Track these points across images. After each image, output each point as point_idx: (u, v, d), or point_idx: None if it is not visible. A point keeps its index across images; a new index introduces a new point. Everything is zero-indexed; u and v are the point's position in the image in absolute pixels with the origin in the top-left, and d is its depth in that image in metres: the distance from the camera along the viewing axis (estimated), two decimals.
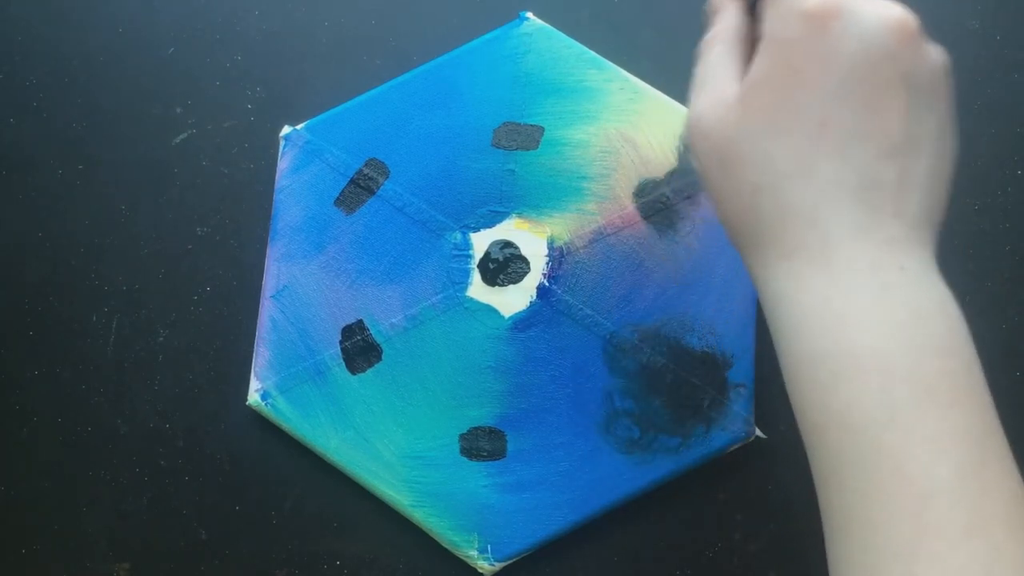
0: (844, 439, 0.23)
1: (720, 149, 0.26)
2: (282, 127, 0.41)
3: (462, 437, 0.38)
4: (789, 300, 0.25)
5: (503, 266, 0.39)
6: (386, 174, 0.40)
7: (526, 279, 0.39)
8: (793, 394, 0.25)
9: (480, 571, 0.37)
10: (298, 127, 0.41)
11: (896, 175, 0.25)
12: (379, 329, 0.39)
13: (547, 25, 0.41)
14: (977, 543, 0.22)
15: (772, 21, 0.26)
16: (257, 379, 0.39)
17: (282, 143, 0.41)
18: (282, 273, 0.39)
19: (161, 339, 0.40)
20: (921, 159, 0.25)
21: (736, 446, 0.37)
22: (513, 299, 0.39)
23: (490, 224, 0.39)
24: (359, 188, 0.40)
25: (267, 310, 0.39)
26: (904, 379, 0.23)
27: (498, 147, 0.40)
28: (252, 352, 0.39)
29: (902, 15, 0.25)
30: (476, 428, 0.38)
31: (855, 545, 0.23)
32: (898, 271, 0.24)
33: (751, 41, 0.28)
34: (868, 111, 0.25)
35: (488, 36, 0.41)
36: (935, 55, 0.26)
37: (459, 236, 0.39)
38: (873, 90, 0.24)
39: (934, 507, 0.22)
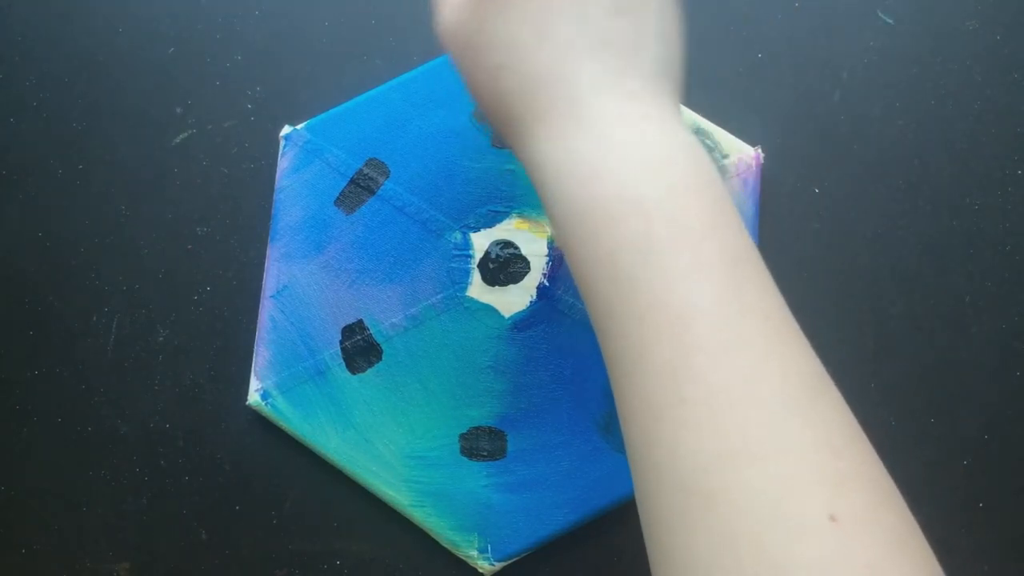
0: (611, 286, 0.24)
1: (467, 42, 0.28)
2: (282, 127, 0.41)
3: (462, 437, 0.38)
4: (547, 163, 0.26)
5: (503, 266, 0.39)
6: (386, 174, 0.40)
7: (526, 279, 0.39)
8: (566, 254, 0.26)
9: (480, 571, 0.37)
10: (298, 127, 0.41)
11: (630, 32, 0.26)
12: (379, 329, 0.39)
13: None
14: (737, 358, 0.23)
15: None
16: (257, 379, 0.39)
17: (282, 143, 0.41)
18: (282, 273, 0.39)
19: (161, 339, 0.40)
20: (649, 16, 0.26)
21: None
22: (513, 299, 0.39)
23: (490, 224, 0.39)
24: (359, 188, 0.40)
25: (267, 310, 0.39)
26: (658, 218, 0.24)
27: (498, 147, 0.40)
28: (252, 352, 0.39)
29: None
30: (476, 428, 0.38)
31: (631, 380, 0.24)
32: (643, 120, 0.25)
33: None
34: None
35: None
36: None
37: (459, 236, 0.39)
38: None
39: (694, 329, 0.23)
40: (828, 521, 0.21)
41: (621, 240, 0.24)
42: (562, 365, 0.38)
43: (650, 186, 0.25)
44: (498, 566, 0.37)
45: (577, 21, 0.26)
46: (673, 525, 0.23)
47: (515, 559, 0.37)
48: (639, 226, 0.24)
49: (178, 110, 0.42)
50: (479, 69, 0.27)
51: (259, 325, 0.39)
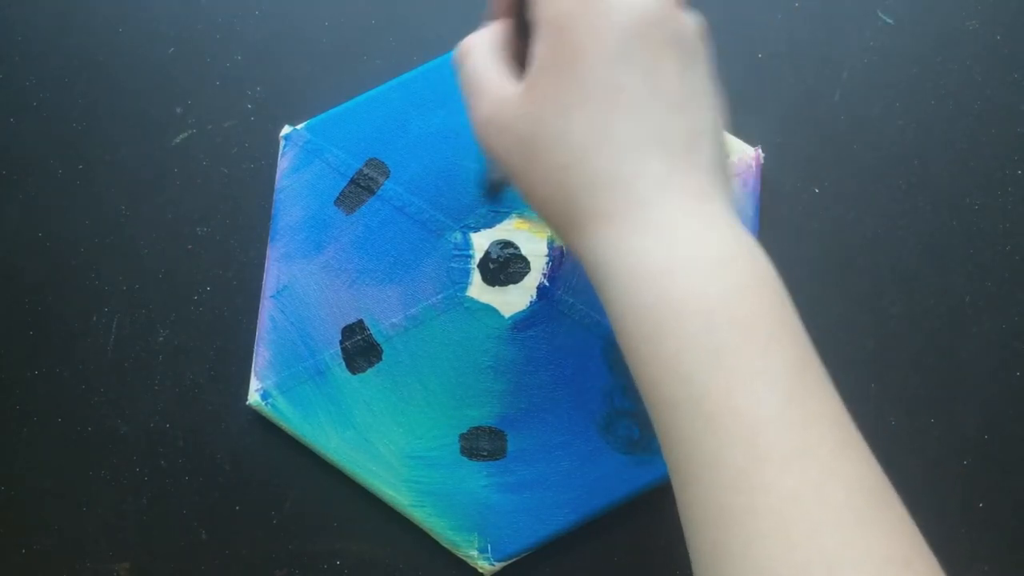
0: (677, 387, 0.24)
1: (521, 141, 0.27)
2: (282, 127, 0.41)
3: (462, 437, 0.38)
4: (611, 264, 0.26)
5: (503, 266, 0.39)
6: (386, 174, 0.40)
7: (526, 279, 0.39)
8: (628, 355, 0.26)
9: (480, 571, 0.37)
10: (298, 127, 0.41)
11: (687, 129, 0.26)
12: (379, 329, 0.39)
13: None
14: (807, 467, 0.23)
15: (541, 6, 0.27)
16: (257, 379, 0.39)
17: (282, 143, 0.41)
18: (282, 273, 0.39)
19: (161, 339, 0.40)
20: (702, 113, 0.27)
21: None
22: (513, 299, 0.39)
23: (490, 224, 0.39)
24: (359, 188, 0.40)
25: (267, 310, 0.39)
26: (724, 320, 0.24)
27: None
28: (252, 352, 0.39)
29: None
30: (476, 428, 0.38)
31: (699, 487, 0.24)
32: (706, 218, 0.26)
33: (508, 43, 0.30)
34: (649, 73, 0.26)
35: None
36: (692, 19, 0.27)
37: (459, 236, 0.39)
38: (649, 53, 0.26)
39: (763, 436, 0.23)
40: None
41: (687, 340, 0.24)
42: (562, 365, 0.38)
43: (714, 286, 0.24)
44: (498, 566, 0.37)
45: (637, 120, 0.26)
46: None
47: (515, 559, 0.37)
48: (704, 326, 0.24)
49: (178, 110, 0.42)
50: (536, 168, 0.27)
51: (259, 325, 0.39)
